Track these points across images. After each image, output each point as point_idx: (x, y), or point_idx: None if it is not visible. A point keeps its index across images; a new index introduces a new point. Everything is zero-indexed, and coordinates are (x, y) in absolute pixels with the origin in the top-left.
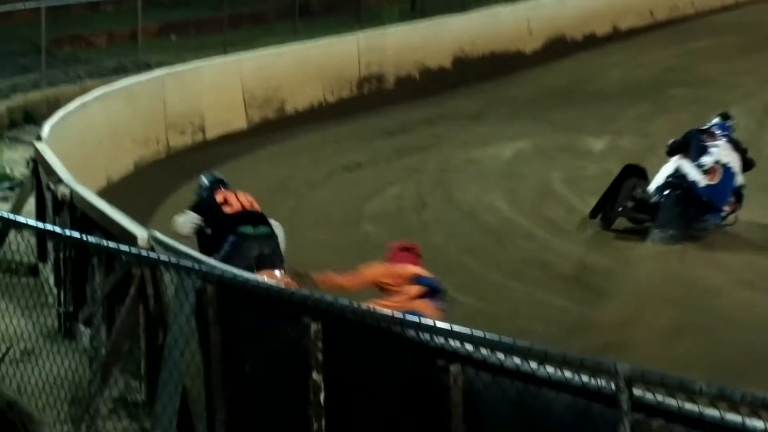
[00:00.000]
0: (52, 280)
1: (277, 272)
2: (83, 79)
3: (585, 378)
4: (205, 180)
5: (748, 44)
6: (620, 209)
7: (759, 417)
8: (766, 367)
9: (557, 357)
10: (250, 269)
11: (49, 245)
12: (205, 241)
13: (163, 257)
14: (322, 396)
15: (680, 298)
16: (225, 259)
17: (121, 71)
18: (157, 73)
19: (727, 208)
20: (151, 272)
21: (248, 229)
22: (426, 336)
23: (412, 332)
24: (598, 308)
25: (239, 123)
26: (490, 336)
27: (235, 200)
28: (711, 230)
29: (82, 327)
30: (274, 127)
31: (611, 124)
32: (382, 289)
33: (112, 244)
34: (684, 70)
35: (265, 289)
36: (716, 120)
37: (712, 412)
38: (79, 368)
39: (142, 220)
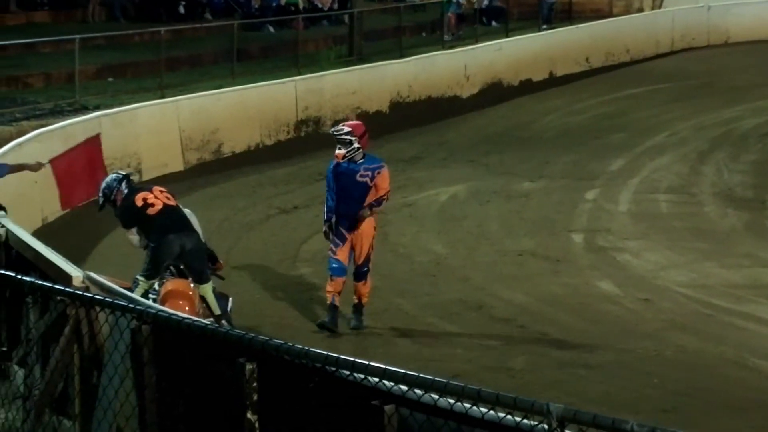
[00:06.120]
0: None
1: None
2: (20, 120)
3: (518, 418)
4: (114, 181)
5: (682, 91)
6: None
7: None
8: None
9: (490, 397)
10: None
11: None
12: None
13: (98, 297)
14: None
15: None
16: (152, 257)
17: (58, 113)
18: (94, 114)
19: None
20: (86, 312)
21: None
22: (360, 376)
23: (346, 372)
24: (534, 350)
25: (176, 165)
26: (424, 376)
27: (153, 198)
28: None
29: (16, 367)
30: (211, 169)
31: (546, 169)
32: None
33: (47, 284)
34: (619, 117)
35: (199, 329)
36: None
37: None
38: (12, 408)
39: (77, 260)
